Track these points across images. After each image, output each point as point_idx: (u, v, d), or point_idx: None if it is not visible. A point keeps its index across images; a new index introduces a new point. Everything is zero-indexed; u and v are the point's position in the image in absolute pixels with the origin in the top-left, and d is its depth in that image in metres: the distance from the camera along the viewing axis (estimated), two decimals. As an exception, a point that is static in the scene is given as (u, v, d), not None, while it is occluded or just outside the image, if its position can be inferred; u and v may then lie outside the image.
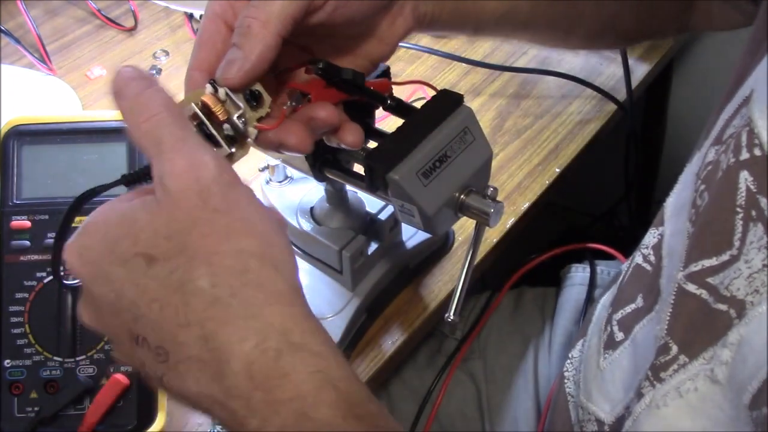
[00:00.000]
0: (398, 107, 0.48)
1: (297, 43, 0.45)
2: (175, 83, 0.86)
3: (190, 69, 0.43)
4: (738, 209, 0.40)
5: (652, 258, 0.52)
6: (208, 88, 0.42)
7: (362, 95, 0.47)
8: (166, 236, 0.35)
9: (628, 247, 0.80)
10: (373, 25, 0.48)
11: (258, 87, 0.43)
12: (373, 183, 0.47)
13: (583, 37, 0.61)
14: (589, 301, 0.75)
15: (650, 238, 0.53)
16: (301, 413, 0.33)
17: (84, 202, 0.42)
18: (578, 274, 0.79)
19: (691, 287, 0.43)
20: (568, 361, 0.61)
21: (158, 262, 0.35)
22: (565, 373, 0.61)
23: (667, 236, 0.51)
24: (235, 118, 0.41)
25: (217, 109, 0.41)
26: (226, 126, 0.42)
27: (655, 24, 0.62)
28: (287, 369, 0.34)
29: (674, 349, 0.43)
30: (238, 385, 0.34)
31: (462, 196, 0.48)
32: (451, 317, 0.49)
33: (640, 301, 0.52)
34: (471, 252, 0.51)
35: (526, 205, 0.73)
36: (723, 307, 0.40)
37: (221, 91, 0.41)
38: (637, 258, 0.54)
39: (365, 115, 0.50)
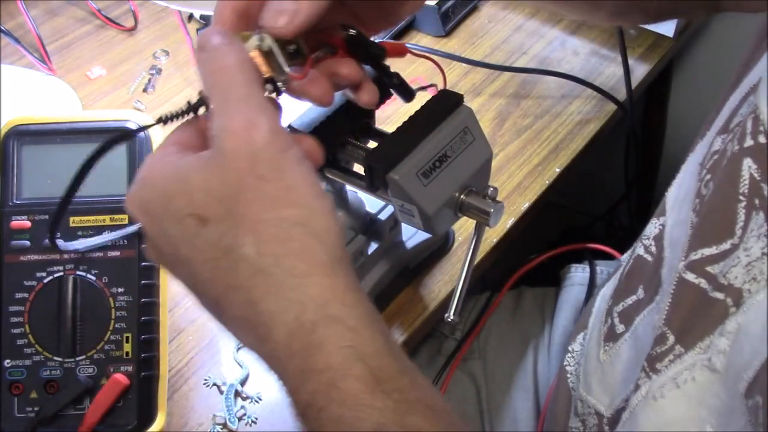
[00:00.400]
0: (400, 86, 0.48)
1: None
2: (175, 83, 0.86)
3: (222, 6, 0.42)
4: (741, 197, 0.40)
5: (653, 249, 0.52)
6: (253, 41, 0.40)
7: (377, 69, 0.47)
8: (217, 198, 0.36)
9: (628, 247, 0.80)
10: None
11: (300, 43, 0.42)
12: (373, 183, 0.47)
13: (610, 12, 0.61)
14: (589, 300, 0.75)
15: (652, 228, 0.53)
16: (330, 384, 0.35)
17: (94, 162, 0.42)
18: (578, 274, 0.79)
19: (690, 276, 0.42)
20: (569, 354, 0.61)
21: (210, 224, 0.37)
22: (567, 367, 0.61)
23: (668, 227, 0.51)
24: (281, 80, 0.41)
25: (263, 67, 0.40)
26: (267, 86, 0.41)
27: (682, 4, 0.61)
28: (321, 341, 0.35)
29: (671, 339, 0.43)
30: (278, 350, 0.36)
31: (462, 196, 0.48)
32: (451, 317, 0.49)
33: (641, 293, 0.51)
34: (471, 252, 0.51)
35: (526, 205, 0.73)
36: (720, 295, 0.40)
37: (266, 42, 0.40)
38: (639, 249, 0.54)
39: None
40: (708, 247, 0.42)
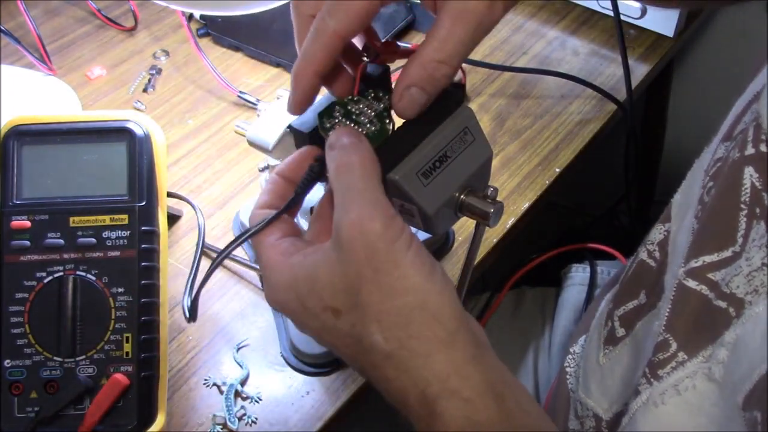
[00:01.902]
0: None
1: None
2: (175, 83, 0.86)
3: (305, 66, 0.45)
4: (742, 206, 0.40)
5: (657, 254, 0.52)
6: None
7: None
8: (343, 290, 0.40)
9: (628, 247, 0.79)
10: None
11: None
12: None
13: None
14: (590, 300, 0.75)
15: (656, 234, 0.53)
16: None
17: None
18: (578, 274, 0.79)
19: (692, 283, 0.42)
20: (570, 356, 0.61)
21: (342, 314, 0.41)
22: (567, 369, 0.61)
23: (673, 232, 0.51)
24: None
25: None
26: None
27: None
28: (442, 411, 0.40)
29: (674, 346, 0.43)
30: (410, 413, 0.41)
31: (462, 196, 0.47)
32: None
33: (642, 298, 0.51)
34: (470, 252, 0.51)
35: (526, 205, 0.73)
36: (723, 304, 0.40)
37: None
38: (642, 254, 0.54)
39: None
40: (709, 254, 0.42)
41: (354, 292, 0.40)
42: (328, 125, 0.46)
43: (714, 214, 0.42)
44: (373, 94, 0.47)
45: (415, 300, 0.40)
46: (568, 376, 0.60)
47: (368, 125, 0.46)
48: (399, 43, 0.51)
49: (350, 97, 0.47)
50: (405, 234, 0.41)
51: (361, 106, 0.47)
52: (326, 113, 0.47)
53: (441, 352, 0.40)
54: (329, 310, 0.41)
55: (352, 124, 0.46)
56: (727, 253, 0.40)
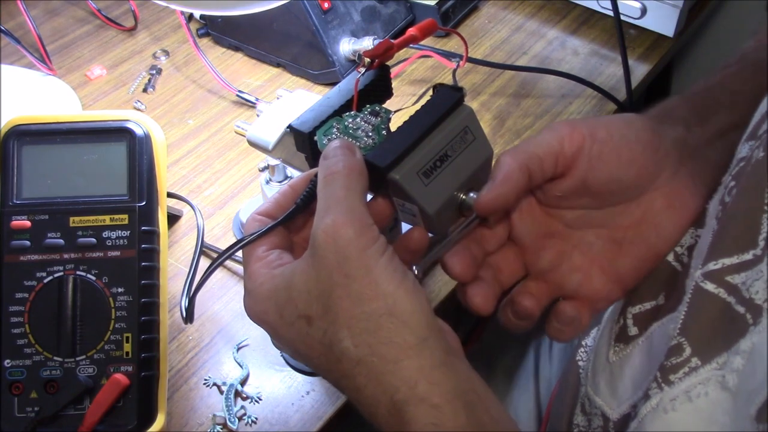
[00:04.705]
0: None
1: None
2: (174, 83, 0.86)
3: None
4: (765, 207, 0.39)
5: (684, 258, 0.50)
6: None
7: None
8: (315, 296, 0.41)
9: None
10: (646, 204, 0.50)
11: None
12: (374, 183, 0.47)
13: None
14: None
15: (687, 237, 0.52)
16: None
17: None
18: (580, 274, 0.78)
19: (709, 286, 0.41)
20: (582, 348, 0.60)
21: (314, 322, 0.41)
22: (579, 362, 0.60)
23: (702, 237, 0.50)
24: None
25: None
26: None
27: None
28: (410, 418, 0.40)
29: (687, 350, 0.42)
30: (382, 424, 0.41)
31: (463, 196, 0.48)
32: (414, 270, 0.48)
33: (661, 299, 0.50)
34: (459, 231, 0.50)
35: (527, 205, 0.73)
36: (741, 309, 0.39)
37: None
38: (669, 255, 0.53)
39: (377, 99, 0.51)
40: (728, 256, 0.41)
41: (325, 298, 0.40)
42: (326, 142, 0.47)
43: (735, 216, 0.41)
44: (370, 110, 0.48)
45: (385, 306, 0.40)
46: (580, 370, 0.59)
47: (365, 138, 0.47)
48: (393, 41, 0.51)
49: (348, 114, 0.48)
50: (379, 242, 0.41)
51: (358, 120, 0.47)
52: (324, 131, 0.47)
53: (410, 358, 0.40)
54: (303, 318, 0.41)
55: (350, 139, 0.46)
56: (748, 256, 0.39)
